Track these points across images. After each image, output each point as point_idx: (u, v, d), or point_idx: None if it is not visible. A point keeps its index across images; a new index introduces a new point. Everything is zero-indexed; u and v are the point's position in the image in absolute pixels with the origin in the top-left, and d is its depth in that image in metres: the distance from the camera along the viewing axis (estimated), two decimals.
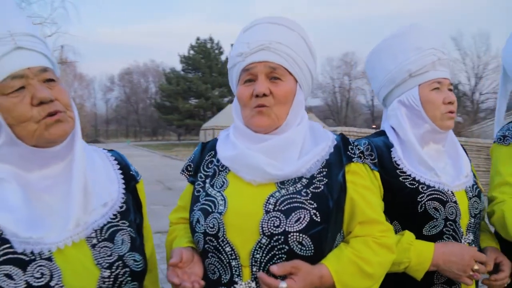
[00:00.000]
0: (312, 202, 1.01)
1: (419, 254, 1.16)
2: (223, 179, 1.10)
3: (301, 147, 1.09)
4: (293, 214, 0.99)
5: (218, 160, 1.14)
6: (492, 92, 36.76)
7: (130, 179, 1.06)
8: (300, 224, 0.98)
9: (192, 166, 1.20)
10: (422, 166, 1.27)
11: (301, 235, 0.97)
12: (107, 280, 0.88)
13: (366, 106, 51.73)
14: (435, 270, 1.18)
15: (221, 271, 1.01)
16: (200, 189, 1.13)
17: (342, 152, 1.09)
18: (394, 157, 1.30)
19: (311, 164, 1.05)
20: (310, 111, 47.75)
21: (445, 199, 1.23)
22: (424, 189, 1.24)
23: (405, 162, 1.28)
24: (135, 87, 59.66)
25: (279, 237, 0.97)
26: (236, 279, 0.99)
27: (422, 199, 1.23)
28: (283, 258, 0.97)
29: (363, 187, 1.09)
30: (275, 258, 0.97)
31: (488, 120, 27.44)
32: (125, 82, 59.20)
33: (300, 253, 0.97)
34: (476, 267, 1.16)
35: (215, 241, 1.01)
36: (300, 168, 1.04)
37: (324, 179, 1.05)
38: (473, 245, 1.26)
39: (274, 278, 0.92)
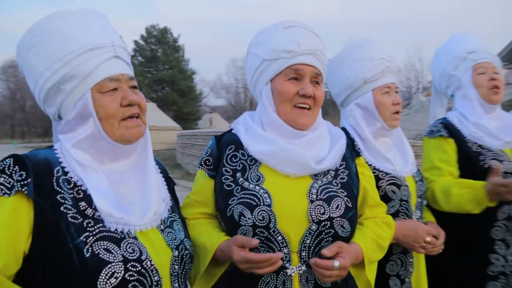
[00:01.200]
0: (343, 191, 1.19)
1: None
2: (257, 173, 1.18)
3: (328, 141, 1.27)
4: (332, 202, 1.15)
5: (244, 154, 1.22)
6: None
7: (169, 181, 1.19)
8: (340, 210, 1.16)
9: (211, 160, 1.27)
10: (379, 157, 1.55)
11: (342, 219, 1.15)
12: (177, 259, 1.02)
13: None
14: (394, 242, 1.47)
15: None
16: (232, 183, 1.19)
17: (351, 148, 1.32)
18: (358, 150, 1.54)
19: (337, 158, 1.25)
20: (214, 111, 48.01)
21: (399, 184, 1.53)
22: (383, 176, 1.52)
23: (367, 154, 1.54)
24: (21, 82, 53.56)
25: (326, 222, 1.13)
26: (286, 265, 1.12)
27: (382, 184, 1.51)
28: (330, 241, 1.13)
29: (369, 176, 1.35)
30: (323, 242, 1.13)
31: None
32: (9, 76, 52.80)
33: (342, 235, 1.15)
34: (428, 239, 1.46)
35: (266, 232, 1.11)
36: (332, 162, 1.22)
37: (346, 170, 1.25)
38: (421, 220, 1.59)
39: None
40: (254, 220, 1.12)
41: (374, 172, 1.52)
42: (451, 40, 1.91)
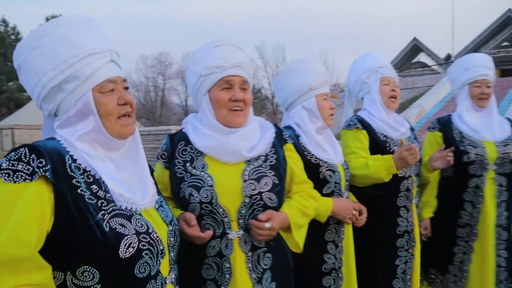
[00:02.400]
0: (271, 171, 1.49)
1: (325, 205, 1.80)
2: (202, 162, 1.45)
3: (258, 133, 1.55)
4: (261, 180, 1.45)
5: (192, 148, 1.48)
6: None
7: (151, 170, 1.34)
8: (268, 186, 1.45)
9: (166, 154, 1.52)
10: (319, 149, 1.91)
11: (269, 193, 1.45)
12: (171, 232, 1.17)
13: (180, 106, 53.32)
14: (331, 215, 1.83)
15: (215, 227, 1.40)
16: (183, 172, 1.45)
17: (280, 137, 1.62)
18: (302, 143, 1.88)
19: (266, 146, 1.54)
20: None
21: (334, 170, 1.90)
22: (322, 163, 1.88)
23: (310, 147, 1.89)
24: None
25: (257, 196, 1.42)
26: (227, 231, 1.40)
27: (322, 170, 1.86)
28: (260, 210, 1.42)
29: (295, 159, 1.66)
30: (255, 211, 1.42)
31: None
32: None
33: (270, 205, 1.45)
34: (354, 212, 1.86)
35: (210, 207, 1.38)
36: (262, 149, 1.51)
37: (274, 155, 1.54)
38: (348, 199, 1.99)
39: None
40: (201, 198, 1.38)
41: (315, 161, 1.86)
42: (367, 55, 2.32)
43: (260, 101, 50.19)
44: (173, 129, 9.87)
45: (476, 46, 38.18)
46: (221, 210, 1.40)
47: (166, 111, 51.00)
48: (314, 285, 1.81)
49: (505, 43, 36.58)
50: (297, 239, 1.54)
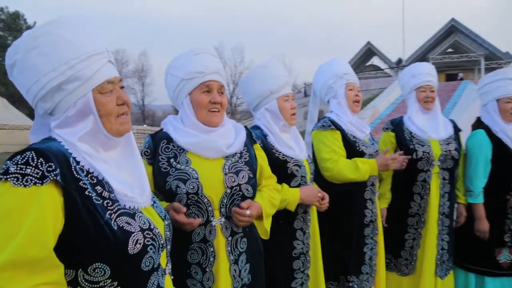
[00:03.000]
0: (246, 166, 1.66)
1: (293, 195, 1.98)
2: (186, 158, 1.58)
3: (233, 133, 1.72)
4: (239, 173, 1.62)
5: (174, 146, 1.60)
6: None
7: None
8: (245, 179, 1.62)
9: (149, 151, 1.63)
10: (285, 146, 2.07)
11: (247, 185, 1.63)
12: (167, 227, 1.23)
13: (136, 105, 52.04)
14: (299, 204, 2.00)
15: (200, 216, 1.54)
16: (167, 167, 1.57)
17: (250, 137, 1.79)
18: (270, 142, 2.03)
19: (240, 145, 1.71)
20: None
21: (300, 165, 2.08)
22: (289, 159, 2.05)
23: (277, 145, 2.05)
24: None
25: (236, 187, 1.59)
26: (211, 219, 1.55)
27: (289, 165, 2.04)
28: (240, 200, 1.59)
29: (263, 157, 1.84)
30: (235, 201, 1.58)
31: (245, 120, 32.41)
32: None
33: (247, 195, 1.62)
34: (320, 195, 2.05)
35: (196, 197, 1.53)
36: (237, 147, 1.68)
37: (247, 153, 1.72)
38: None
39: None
40: (187, 189, 1.52)
41: (283, 157, 2.03)
42: (333, 61, 2.53)
43: None
44: (135, 129, 9.72)
45: (424, 52, 40.30)
46: (205, 200, 1.54)
47: None
48: (285, 268, 2.00)
49: (450, 50, 38.96)
50: (267, 227, 1.73)
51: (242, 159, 1.67)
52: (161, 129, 1.71)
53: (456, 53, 38.17)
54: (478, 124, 2.70)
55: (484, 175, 2.56)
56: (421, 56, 40.09)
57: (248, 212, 1.54)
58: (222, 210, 1.57)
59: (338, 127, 2.35)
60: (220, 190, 1.57)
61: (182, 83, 1.63)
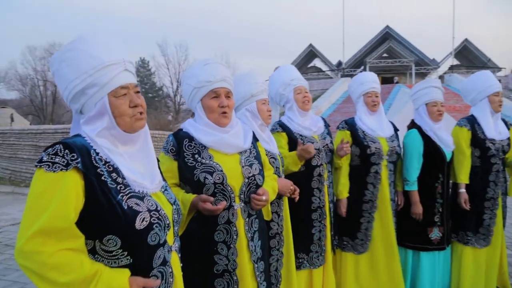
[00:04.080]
0: (256, 160, 1.92)
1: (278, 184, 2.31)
2: (208, 154, 1.81)
3: (243, 133, 1.98)
4: (252, 165, 1.88)
5: (196, 143, 1.82)
6: None
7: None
8: (257, 170, 1.89)
9: (174, 149, 1.83)
10: (263, 142, 2.32)
11: (259, 175, 1.89)
12: (175, 211, 1.40)
13: None
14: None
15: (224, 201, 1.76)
16: (193, 162, 1.78)
17: (254, 137, 2.06)
18: (257, 138, 2.27)
19: (250, 142, 1.98)
20: (6, 105, 40.72)
21: (275, 158, 2.38)
22: (267, 152, 2.32)
23: (261, 140, 2.32)
24: None
25: (252, 177, 1.85)
26: (233, 204, 1.80)
27: (267, 157, 2.31)
28: (254, 188, 1.85)
29: (263, 153, 2.13)
30: (251, 188, 1.85)
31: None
32: None
33: (259, 184, 1.89)
34: (291, 187, 2.37)
35: (221, 186, 1.77)
36: (248, 144, 1.96)
37: (254, 149, 1.98)
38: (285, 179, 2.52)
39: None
40: (214, 180, 1.77)
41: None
42: (280, 70, 2.87)
43: (161, 99, 49.19)
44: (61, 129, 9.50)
45: (362, 56, 42.67)
46: (229, 188, 1.79)
47: (59, 108, 46.80)
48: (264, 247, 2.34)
49: (385, 55, 41.61)
50: (269, 210, 2.04)
51: (252, 154, 1.94)
52: (181, 129, 1.94)
53: (390, 58, 40.87)
54: (412, 125, 3.22)
55: (417, 166, 3.06)
56: (359, 59, 42.42)
57: (264, 197, 1.82)
58: (241, 196, 1.83)
59: (285, 129, 2.70)
60: (239, 180, 1.82)
61: (194, 91, 1.87)
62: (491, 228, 3.16)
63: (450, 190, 3.21)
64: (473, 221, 3.17)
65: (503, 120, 3.31)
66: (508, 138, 3.20)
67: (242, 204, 1.84)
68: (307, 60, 46.83)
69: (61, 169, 1.15)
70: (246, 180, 1.85)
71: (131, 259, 1.24)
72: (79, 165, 1.17)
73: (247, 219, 1.85)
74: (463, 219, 3.19)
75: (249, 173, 1.86)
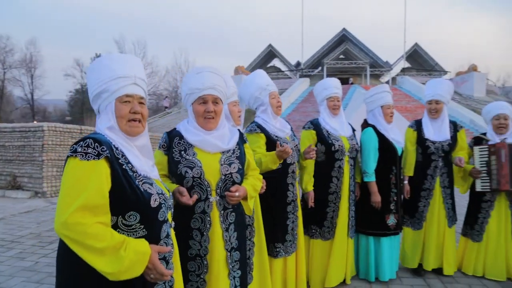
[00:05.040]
0: (237, 160, 2.09)
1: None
2: (193, 151, 2.02)
3: (228, 135, 2.19)
4: (232, 164, 2.05)
5: (185, 142, 2.04)
6: (152, 94, 42.41)
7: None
8: (235, 169, 2.06)
9: (166, 145, 2.06)
10: None
11: (236, 173, 2.06)
12: (171, 196, 1.71)
13: (24, 99, 47.14)
14: None
15: (201, 194, 1.96)
16: (179, 157, 2.00)
17: (241, 138, 2.27)
18: (245, 140, 2.42)
19: (233, 144, 2.19)
20: None
21: None
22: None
23: None
24: None
25: (228, 174, 2.03)
26: (209, 197, 1.99)
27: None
28: (231, 184, 2.03)
29: (250, 154, 2.33)
30: (227, 184, 2.02)
31: (156, 117, 31.80)
32: None
33: (236, 181, 2.06)
34: (262, 184, 2.61)
35: (199, 180, 1.96)
36: (231, 145, 2.16)
37: (238, 150, 2.13)
38: None
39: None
40: (193, 174, 1.96)
41: None
42: (256, 75, 3.09)
43: None
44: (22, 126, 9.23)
45: (320, 57, 43.84)
46: (206, 182, 1.99)
47: (7, 105, 44.37)
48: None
49: (341, 56, 43.04)
50: (250, 206, 2.17)
51: (234, 154, 2.13)
52: (174, 129, 2.15)
53: (346, 60, 42.28)
54: (366, 124, 3.65)
55: (374, 160, 3.46)
56: (317, 60, 43.56)
57: (237, 193, 2.02)
58: (218, 191, 2.02)
59: (263, 130, 2.90)
60: (217, 176, 2.02)
61: (187, 96, 2.10)
62: (424, 214, 3.67)
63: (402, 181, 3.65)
64: (410, 207, 3.69)
65: (454, 123, 3.82)
66: (450, 139, 3.69)
67: (218, 197, 2.03)
68: (266, 60, 47.38)
69: (93, 158, 1.39)
70: (223, 177, 2.04)
71: (146, 232, 1.49)
72: (108, 155, 1.42)
73: (222, 212, 2.04)
74: (405, 205, 3.70)
75: (227, 171, 2.05)
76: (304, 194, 3.27)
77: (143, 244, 1.43)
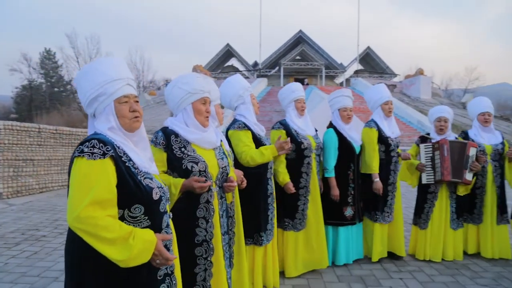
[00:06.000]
0: (225, 155, 2.33)
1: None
2: (192, 148, 2.19)
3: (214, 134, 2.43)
4: (224, 159, 2.30)
5: (182, 139, 2.19)
6: None
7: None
8: (226, 163, 2.30)
9: (164, 143, 2.19)
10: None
11: (228, 166, 2.32)
12: (168, 189, 1.83)
13: None
14: None
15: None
16: (181, 153, 2.16)
17: (225, 136, 2.56)
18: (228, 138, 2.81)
19: (219, 141, 2.43)
20: None
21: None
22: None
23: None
24: None
25: (225, 167, 2.28)
26: (211, 187, 2.20)
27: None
28: (226, 176, 2.29)
29: (229, 150, 2.60)
30: (223, 176, 2.27)
31: None
32: None
33: (229, 173, 2.30)
34: (241, 176, 2.92)
35: (204, 173, 2.16)
36: (219, 142, 2.39)
37: (221, 147, 2.44)
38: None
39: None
40: (199, 168, 2.17)
41: None
42: (238, 76, 3.36)
43: (70, 93, 46.00)
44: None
45: (277, 58, 44.58)
46: (209, 175, 2.20)
47: None
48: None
49: (298, 57, 44.02)
50: (231, 195, 2.48)
51: (221, 150, 2.38)
52: (166, 127, 2.29)
53: (303, 61, 43.29)
54: (330, 125, 4.02)
55: (334, 158, 3.83)
56: (274, 61, 44.29)
57: (235, 183, 2.31)
58: (217, 182, 2.27)
59: (248, 128, 3.19)
60: (216, 169, 2.26)
61: (187, 95, 2.24)
62: (393, 207, 4.06)
63: (359, 177, 4.04)
64: (380, 203, 4.04)
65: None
66: (399, 136, 4.17)
67: (217, 188, 2.29)
68: (224, 59, 47.48)
69: (99, 157, 1.50)
70: (221, 170, 2.29)
71: (150, 222, 1.63)
72: (113, 154, 1.54)
73: (220, 200, 2.30)
74: (372, 201, 4.05)
75: (222, 164, 2.31)
76: (284, 186, 3.51)
77: (149, 233, 1.56)
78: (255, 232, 3.10)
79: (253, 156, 3.04)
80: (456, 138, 4.24)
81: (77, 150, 1.52)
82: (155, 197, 1.64)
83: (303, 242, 3.66)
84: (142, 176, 1.63)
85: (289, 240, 3.64)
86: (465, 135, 4.39)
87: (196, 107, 2.27)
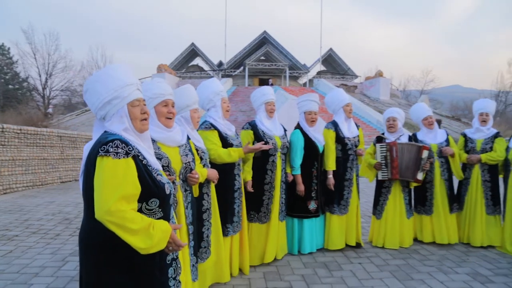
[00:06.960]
0: (190, 152, 2.65)
1: (205, 172, 3.11)
2: (157, 146, 2.38)
3: (180, 133, 2.70)
4: (188, 156, 2.59)
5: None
6: (60, 89, 39.85)
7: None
8: (190, 159, 2.55)
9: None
10: (195, 140, 3.09)
11: (192, 162, 2.57)
12: (172, 186, 1.98)
13: None
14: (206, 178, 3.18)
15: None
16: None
17: (188, 136, 2.83)
18: (189, 137, 3.06)
19: (186, 139, 2.70)
20: None
21: (204, 151, 3.17)
22: (198, 148, 3.09)
23: (191, 138, 3.11)
24: None
25: (188, 163, 2.54)
26: (175, 181, 2.45)
27: (199, 152, 3.09)
28: (189, 170, 2.54)
29: (194, 148, 2.89)
30: (186, 171, 2.53)
31: (73, 114, 30.06)
32: None
33: (192, 168, 2.60)
34: (217, 176, 3.21)
35: (167, 168, 2.39)
36: (184, 140, 2.67)
37: (188, 145, 2.70)
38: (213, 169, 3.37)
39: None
40: (162, 164, 2.35)
41: (195, 147, 3.09)
42: (212, 81, 3.62)
43: (27, 91, 44.08)
44: None
45: (242, 58, 44.84)
46: (172, 170, 2.45)
47: None
48: (199, 218, 3.09)
49: (262, 58, 44.52)
50: (197, 189, 2.79)
51: (187, 148, 2.63)
52: None
53: (267, 61, 43.81)
54: (297, 126, 4.39)
55: (300, 156, 4.21)
56: (239, 61, 44.54)
57: (196, 176, 2.59)
58: (181, 176, 2.53)
59: (215, 128, 3.48)
60: (179, 164, 2.51)
61: (150, 100, 2.43)
62: (349, 201, 4.48)
63: (322, 174, 4.44)
64: (336, 197, 4.46)
65: (355, 124, 4.73)
66: (358, 136, 4.61)
67: (181, 181, 2.55)
68: (189, 59, 47.15)
69: (123, 157, 1.64)
70: (184, 165, 2.54)
71: (162, 214, 1.81)
72: (134, 154, 1.69)
73: (184, 193, 2.58)
74: (331, 195, 4.46)
75: (186, 160, 2.56)
76: (245, 183, 3.83)
77: (165, 223, 1.73)
78: (221, 224, 3.37)
79: (220, 154, 3.35)
80: (410, 137, 4.76)
81: (102, 150, 1.63)
82: (167, 191, 1.83)
83: (268, 234, 3.99)
84: (155, 173, 1.80)
85: (254, 231, 3.96)
86: (414, 136, 4.91)
87: (158, 110, 2.46)
